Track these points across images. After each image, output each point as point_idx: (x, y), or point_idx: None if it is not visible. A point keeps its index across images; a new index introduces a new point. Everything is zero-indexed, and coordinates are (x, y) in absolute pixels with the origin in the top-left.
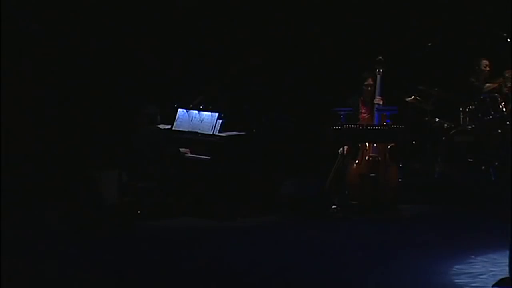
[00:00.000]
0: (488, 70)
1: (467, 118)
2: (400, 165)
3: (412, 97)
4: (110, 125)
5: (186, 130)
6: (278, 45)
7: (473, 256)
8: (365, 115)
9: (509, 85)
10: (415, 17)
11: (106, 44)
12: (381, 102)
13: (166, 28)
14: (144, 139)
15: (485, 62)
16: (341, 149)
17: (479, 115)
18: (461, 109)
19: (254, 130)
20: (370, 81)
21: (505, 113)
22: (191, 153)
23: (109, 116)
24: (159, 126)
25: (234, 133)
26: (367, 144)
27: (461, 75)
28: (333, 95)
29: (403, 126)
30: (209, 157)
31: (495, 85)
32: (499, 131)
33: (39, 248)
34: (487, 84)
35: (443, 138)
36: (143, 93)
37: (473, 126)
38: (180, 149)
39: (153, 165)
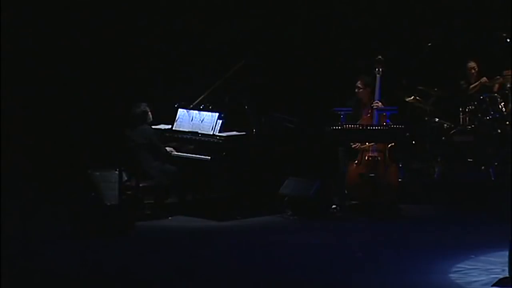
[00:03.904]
0: (473, 73)
1: (467, 118)
2: (400, 165)
3: (412, 97)
4: (110, 124)
5: (187, 130)
6: (279, 45)
7: (473, 256)
8: (365, 116)
9: (508, 85)
10: (415, 17)
11: (106, 43)
12: (379, 105)
13: (165, 27)
14: (136, 138)
15: (470, 64)
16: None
17: (479, 115)
18: (461, 109)
19: (254, 130)
20: (358, 83)
21: (505, 113)
22: (181, 152)
23: (109, 116)
24: (155, 127)
25: (234, 133)
26: (367, 144)
27: (451, 77)
28: (333, 95)
29: (403, 126)
30: (209, 157)
31: (477, 86)
32: (499, 131)
33: (39, 249)
34: (471, 86)
35: (443, 138)
36: (141, 92)
37: (473, 126)
38: (166, 148)
39: (148, 164)
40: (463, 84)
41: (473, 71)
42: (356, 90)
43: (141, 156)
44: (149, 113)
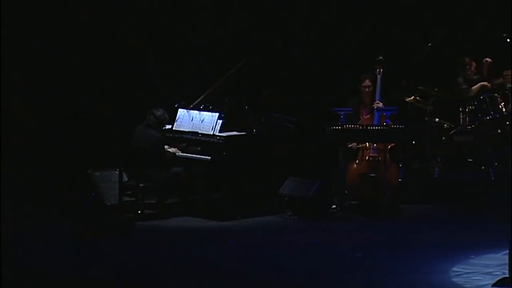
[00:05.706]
0: (472, 71)
1: (467, 118)
2: (400, 165)
3: (412, 97)
4: (111, 124)
5: (187, 130)
6: (278, 45)
7: (472, 256)
8: (365, 116)
9: (509, 85)
10: (415, 17)
11: (109, 43)
12: (380, 105)
13: (164, 26)
14: (146, 139)
15: (466, 60)
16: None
17: (479, 115)
18: (461, 109)
19: (254, 130)
20: (367, 82)
21: (505, 113)
22: (183, 152)
23: (109, 115)
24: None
25: (234, 133)
26: (367, 144)
27: (450, 75)
28: (333, 95)
29: (403, 126)
30: (209, 157)
31: (478, 87)
32: (499, 131)
33: (39, 249)
34: (473, 88)
35: (443, 138)
36: (144, 92)
37: (473, 126)
38: (170, 149)
39: (153, 165)
40: (462, 84)
41: (467, 66)
42: (366, 89)
43: (141, 158)
44: (166, 122)
